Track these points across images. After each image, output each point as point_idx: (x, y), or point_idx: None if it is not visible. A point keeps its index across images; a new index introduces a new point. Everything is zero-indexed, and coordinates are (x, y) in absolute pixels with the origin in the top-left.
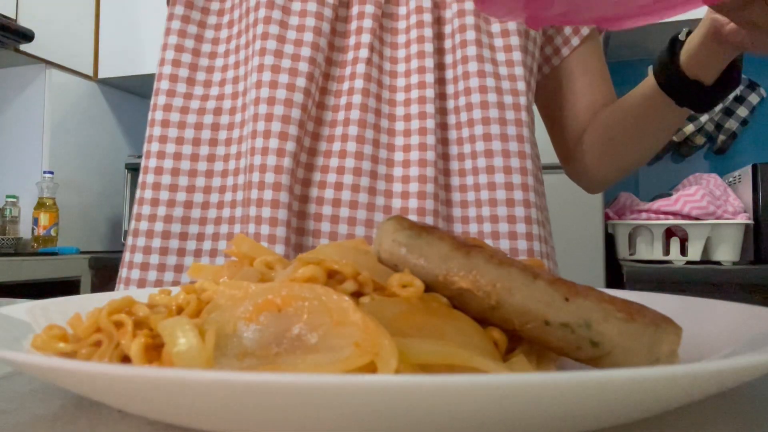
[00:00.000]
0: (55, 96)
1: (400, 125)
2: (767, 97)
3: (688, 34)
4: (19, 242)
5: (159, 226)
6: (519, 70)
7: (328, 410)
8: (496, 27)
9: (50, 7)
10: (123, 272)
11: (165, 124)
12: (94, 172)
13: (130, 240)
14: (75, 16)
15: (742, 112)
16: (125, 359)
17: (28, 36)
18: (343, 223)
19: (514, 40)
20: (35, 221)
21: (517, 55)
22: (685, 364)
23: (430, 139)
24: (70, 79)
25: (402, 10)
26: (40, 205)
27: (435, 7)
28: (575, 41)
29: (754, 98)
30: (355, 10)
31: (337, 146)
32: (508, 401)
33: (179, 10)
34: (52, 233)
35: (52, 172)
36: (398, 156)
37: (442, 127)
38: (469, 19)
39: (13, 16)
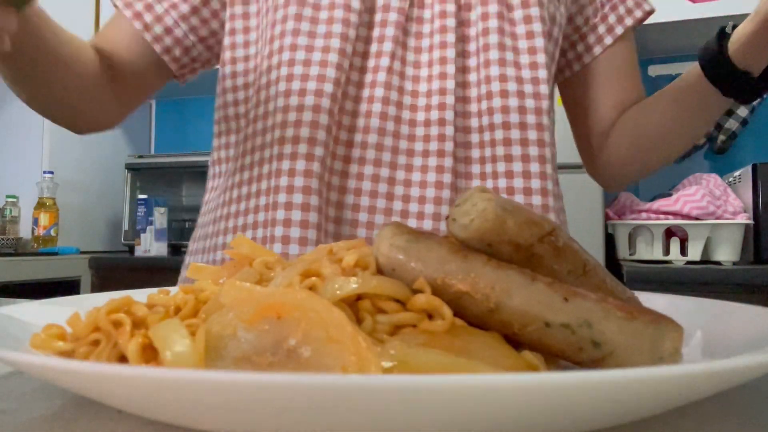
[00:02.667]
0: None
1: (420, 130)
2: (767, 97)
3: (734, 27)
4: (19, 242)
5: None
6: (541, 58)
7: (324, 410)
8: (518, 13)
9: (50, 7)
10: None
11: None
12: (94, 172)
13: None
14: (75, 16)
15: (742, 112)
16: (123, 359)
17: None
18: (362, 227)
19: (537, 27)
20: (35, 221)
21: (539, 42)
22: (690, 364)
23: (449, 146)
24: None
25: (426, 14)
26: (40, 205)
27: (459, 9)
28: (608, 40)
29: None
30: (378, 17)
31: (356, 153)
32: (511, 401)
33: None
34: (52, 233)
35: (52, 172)
36: (417, 161)
37: (464, 116)
38: (492, 8)
39: None
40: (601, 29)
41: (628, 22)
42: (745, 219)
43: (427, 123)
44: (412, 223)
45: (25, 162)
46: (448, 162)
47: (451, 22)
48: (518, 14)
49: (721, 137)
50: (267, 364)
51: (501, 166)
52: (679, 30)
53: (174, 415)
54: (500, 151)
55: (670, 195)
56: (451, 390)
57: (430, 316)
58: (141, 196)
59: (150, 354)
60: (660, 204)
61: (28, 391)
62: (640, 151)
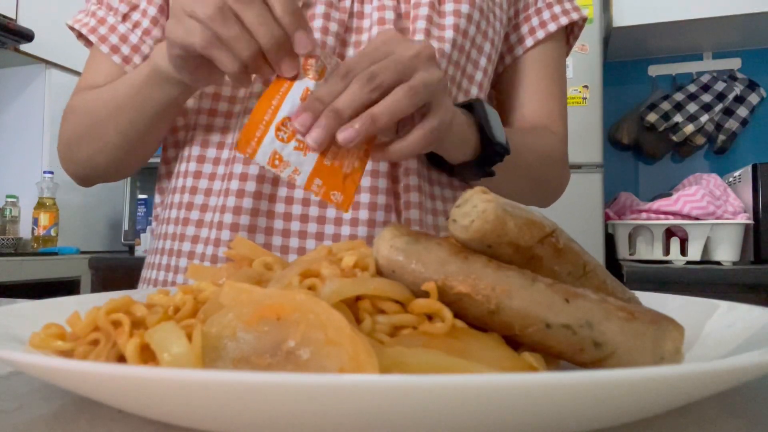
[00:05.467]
0: (55, 96)
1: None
2: (767, 97)
3: None
4: (19, 242)
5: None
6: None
7: (321, 410)
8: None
9: (50, 7)
10: (146, 273)
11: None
12: None
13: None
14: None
15: (742, 112)
16: (122, 358)
17: (28, 36)
18: (294, 236)
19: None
20: (35, 221)
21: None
22: (690, 364)
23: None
24: (70, 79)
25: (365, 23)
26: (40, 205)
27: (398, 18)
28: (540, 34)
29: (754, 98)
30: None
31: None
32: (510, 402)
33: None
34: (52, 233)
35: (52, 172)
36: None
37: None
38: (420, 24)
39: (13, 16)
40: (535, 22)
41: (563, 21)
42: (745, 219)
43: None
44: (345, 231)
45: (25, 162)
46: (383, 166)
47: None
48: (449, 20)
49: (721, 137)
50: (266, 365)
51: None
52: (679, 30)
53: (174, 415)
54: None
55: (670, 195)
56: (449, 390)
57: (430, 318)
58: (141, 196)
59: (148, 354)
60: (660, 204)
61: (28, 391)
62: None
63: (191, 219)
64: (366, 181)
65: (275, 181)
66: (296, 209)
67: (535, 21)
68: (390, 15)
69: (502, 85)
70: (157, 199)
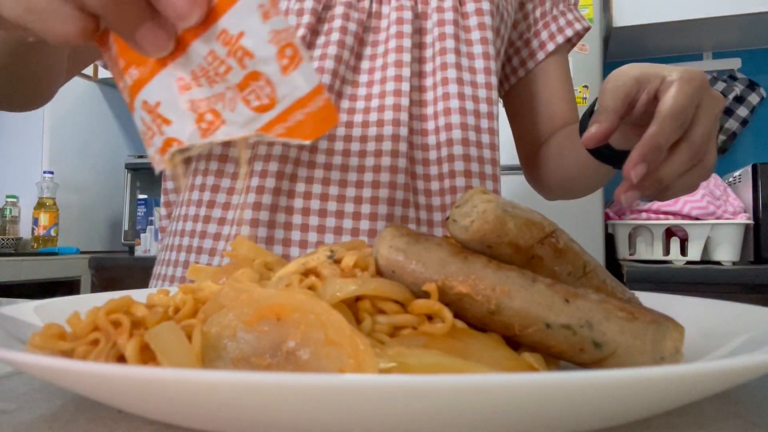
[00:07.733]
0: (55, 96)
1: (372, 130)
2: (767, 97)
3: None
4: (19, 242)
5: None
6: (494, 79)
7: (320, 410)
8: (475, 35)
9: None
10: (161, 269)
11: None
12: (94, 172)
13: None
14: None
15: (742, 112)
16: (122, 358)
17: None
18: (313, 231)
19: (488, 20)
20: (35, 221)
21: (493, 65)
22: (690, 364)
23: (402, 146)
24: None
25: (383, 23)
26: (40, 205)
27: (416, 18)
28: (551, 46)
29: (754, 98)
30: (337, 23)
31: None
32: (511, 402)
33: None
34: (52, 233)
35: (52, 172)
36: (369, 161)
37: (422, 133)
38: (449, 28)
39: None
40: (544, 35)
41: (569, 32)
42: (745, 219)
43: (380, 123)
44: (364, 225)
45: (25, 162)
46: (401, 163)
47: (407, 28)
48: (472, 21)
49: (721, 137)
50: (266, 365)
51: (458, 159)
52: (679, 30)
53: (173, 415)
54: (456, 146)
55: None
56: (448, 390)
57: (430, 318)
58: (141, 196)
59: (148, 354)
60: (660, 204)
61: (28, 391)
62: (563, 178)
63: (213, 217)
64: (385, 177)
65: (293, 177)
66: (314, 204)
67: (544, 35)
68: (408, 15)
69: (518, 94)
70: (171, 196)
